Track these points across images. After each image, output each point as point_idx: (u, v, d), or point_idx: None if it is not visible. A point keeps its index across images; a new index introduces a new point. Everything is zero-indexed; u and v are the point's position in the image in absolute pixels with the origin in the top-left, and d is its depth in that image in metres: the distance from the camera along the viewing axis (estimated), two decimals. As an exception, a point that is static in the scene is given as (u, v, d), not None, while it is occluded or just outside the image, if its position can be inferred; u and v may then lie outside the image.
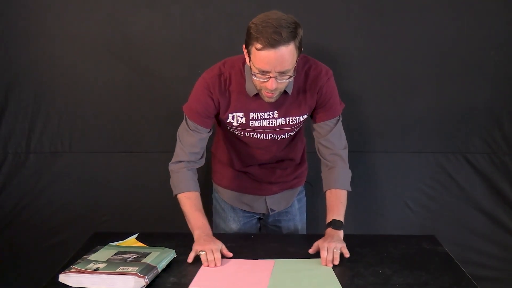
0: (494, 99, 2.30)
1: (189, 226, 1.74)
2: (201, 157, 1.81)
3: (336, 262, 1.60)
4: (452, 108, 2.32)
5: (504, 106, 2.31)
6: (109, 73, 2.29)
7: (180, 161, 1.79)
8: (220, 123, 1.86)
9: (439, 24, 2.24)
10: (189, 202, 1.75)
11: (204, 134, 1.79)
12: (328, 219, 1.74)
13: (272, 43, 1.49)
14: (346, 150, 1.84)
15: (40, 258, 2.40)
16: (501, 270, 2.43)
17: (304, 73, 1.74)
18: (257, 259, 1.66)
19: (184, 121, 1.80)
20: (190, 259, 1.63)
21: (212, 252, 1.61)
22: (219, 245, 1.65)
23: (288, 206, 2.06)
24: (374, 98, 2.32)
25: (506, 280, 2.44)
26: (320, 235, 1.72)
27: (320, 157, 1.84)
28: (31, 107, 2.31)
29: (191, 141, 1.78)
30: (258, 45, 1.51)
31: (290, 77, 1.59)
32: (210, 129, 1.81)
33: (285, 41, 1.50)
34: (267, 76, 1.56)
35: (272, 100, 1.66)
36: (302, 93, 1.75)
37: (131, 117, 2.34)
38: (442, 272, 1.58)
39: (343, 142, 1.84)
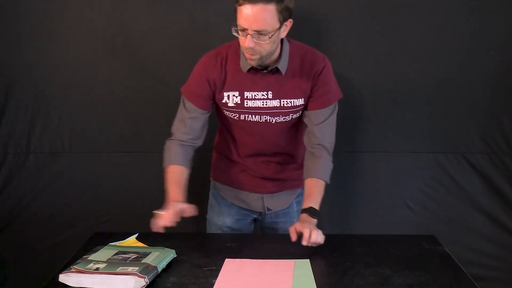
0: (494, 99, 2.30)
1: None
2: (197, 138, 1.84)
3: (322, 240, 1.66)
4: (452, 108, 2.32)
5: (504, 106, 2.31)
6: (109, 73, 2.29)
7: (174, 140, 1.83)
8: (219, 112, 1.89)
9: (438, 24, 2.23)
10: (167, 176, 1.80)
11: (199, 114, 1.82)
12: (305, 205, 1.77)
13: None
14: (333, 145, 1.87)
15: (40, 258, 2.40)
16: (501, 270, 2.43)
17: (299, 56, 1.78)
18: (260, 259, 1.66)
19: (181, 101, 1.84)
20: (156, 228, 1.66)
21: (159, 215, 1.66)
22: (174, 207, 1.68)
23: (286, 207, 2.06)
24: (374, 98, 2.32)
25: (506, 280, 2.44)
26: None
27: (306, 145, 1.86)
28: (31, 107, 2.31)
29: (187, 122, 1.82)
30: (241, 1, 1.57)
31: (270, 38, 1.62)
32: (207, 111, 1.84)
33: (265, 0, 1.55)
34: (245, 33, 1.61)
35: (253, 63, 1.70)
36: (298, 77, 1.78)
37: (131, 117, 2.34)
38: (442, 272, 1.58)
39: (333, 136, 1.86)
